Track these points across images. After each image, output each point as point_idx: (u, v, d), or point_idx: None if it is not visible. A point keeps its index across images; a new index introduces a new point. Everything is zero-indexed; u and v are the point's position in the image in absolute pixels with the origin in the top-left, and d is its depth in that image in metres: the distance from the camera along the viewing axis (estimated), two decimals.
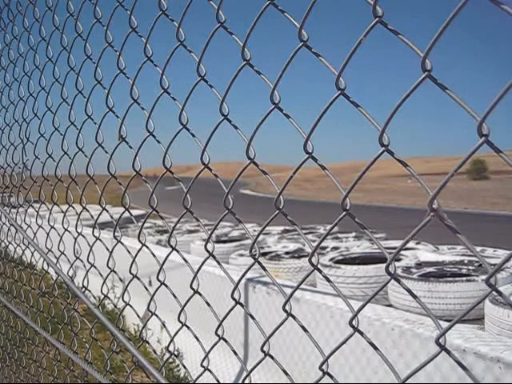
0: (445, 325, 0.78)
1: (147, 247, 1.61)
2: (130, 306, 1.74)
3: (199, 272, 1.38)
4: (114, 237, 1.73)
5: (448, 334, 0.78)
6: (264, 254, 6.06)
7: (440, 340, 0.78)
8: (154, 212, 1.52)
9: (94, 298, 2.44)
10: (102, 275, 1.90)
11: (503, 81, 0.62)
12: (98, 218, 1.88)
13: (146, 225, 8.23)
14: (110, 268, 1.81)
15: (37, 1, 2.18)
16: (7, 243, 2.89)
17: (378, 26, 0.78)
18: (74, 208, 2.00)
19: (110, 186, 1.72)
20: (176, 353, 1.64)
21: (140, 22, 1.46)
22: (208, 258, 1.34)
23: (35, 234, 2.36)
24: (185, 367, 1.71)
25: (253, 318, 1.31)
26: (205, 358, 1.44)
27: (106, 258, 1.83)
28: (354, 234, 7.42)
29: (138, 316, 1.83)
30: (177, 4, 1.31)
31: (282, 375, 1.22)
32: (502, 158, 0.65)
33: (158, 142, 1.45)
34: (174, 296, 1.53)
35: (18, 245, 2.68)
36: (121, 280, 1.78)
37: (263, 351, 1.20)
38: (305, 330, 1.14)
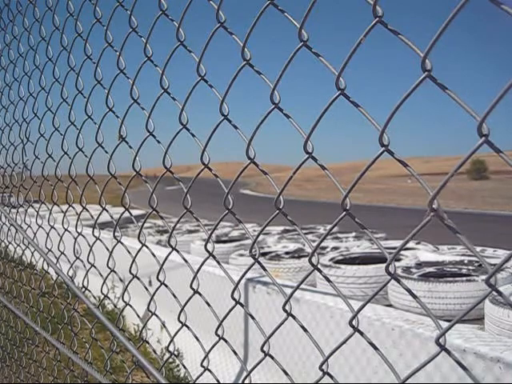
0: (445, 325, 0.78)
1: (147, 247, 1.61)
2: (130, 306, 1.74)
3: (199, 272, 1.38)
4: (114, 237, 1.73)
5: (448, 334, 0.79)
6: (264, 254, 6.06)
7: (440, 340, 0.78)
8: (154, 212, 1.52)
9: (94, 298, 2.44)
10: (101, 275, 1.90)
11: (503, 81, 0.62)
12: (98, 218, 1.88)
13: (146, 225, 8.23)
14: (110, 268, 1.81)
15: (37, 1, 2.18)
16: (7, 243, 2.89)
17: (378, 26, 0.78)
18: (74, 208, 2.00)
19: (110, 186, 1.72)
20: (176, 353, 1.64)
21: (140, 21, 1.47)
22: (208, 257, 1.34)
23: (35, 234, 2.36)
24: (185, 367, 1.71)
25: (253, 318, 1.32)
26: (205, 358, 1.44)
27: (105, 258, 1.83)
28: (354, 234, 7.41)
29: (138, 316, 1.83)
30: (177, 4, 1.31)
31: (282, 375, 1.22)
32: (502, 158, 0.65)
33: (158, 142, 1.46)
34: (174, 296, 1.53)
35: (18, 245, 2.68)
36: (121, 280, 1.78)
37: (263, 351, 1.20)
38: (305, 330, 1.14)
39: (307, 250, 6.02)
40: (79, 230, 2.01)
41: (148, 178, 1.66)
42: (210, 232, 1.29)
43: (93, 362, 2.07)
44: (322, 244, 5.09)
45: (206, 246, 1.33)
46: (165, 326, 1.63)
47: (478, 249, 5.55)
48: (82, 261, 1.97)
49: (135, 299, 1.78)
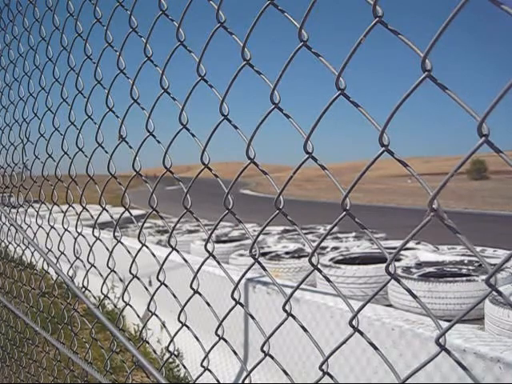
0: (445, 325, 0.78)
1: (147, 247, 1.61)
2: (130, 306, 1.74)
3: (199, 272, 1.38)
4: (114, 237, 1.73)
5: (448, 334, 0.78)
6: (264, 254, 6.06)
7: (440, 340, 0.78)
8: (154, 212, 1.52)
9: (94, 298, 2.44)
10: (101, 275, 1.90)
11: (503, 81, 0.62)
12: (98, 218, 1.88)
13: (146, 225, 8.23)
14: (110, 268, 1.81)
15: (37, 1, 2.18)
16: (7, 243, 2.89)
17: (378, 26, 0.78)
18: (74, 208, 2.00)
19: (110, 186, 1.72)
20: (176, 353, 1.64)
21: (140, 21, 1.47)
22: (208, 257, 1.34)
23: (35, 234, 2.36)
24: (185, 367, 1.71)
25: (253, 318, 1.31)
26: (205, 358, 1.44)
27: (105, 258, 1.83)
28: (354, 234, 7.41)
29: (138, 316, 1.83)
30: (177, 4, 1.31)
31: (282, 375, 1.22)
32: (502, 158, 0.65)
33: (158, 142, 1.46)
34: (174, 296, 1.53)
35: (18, 245, 2.68)
36: (121, 280, 1.78)
37: (263, 351, 1.20)
38: (305, 330, 1.14)
39: (307, 250, 6.02)
40: (79, 230, 2.01)
41: (148, 177, 1.66)
42: (210, 232, 1.29)
43: (93, 361, 2.07)
44: (322, 244, 5.09)
45: (206, 246, 1.33)
46: (165, 326, 1.63)
47: (478, 249, 5.54)
48: (82, 261, 1.97)
49: (135, 299, 1.78)
